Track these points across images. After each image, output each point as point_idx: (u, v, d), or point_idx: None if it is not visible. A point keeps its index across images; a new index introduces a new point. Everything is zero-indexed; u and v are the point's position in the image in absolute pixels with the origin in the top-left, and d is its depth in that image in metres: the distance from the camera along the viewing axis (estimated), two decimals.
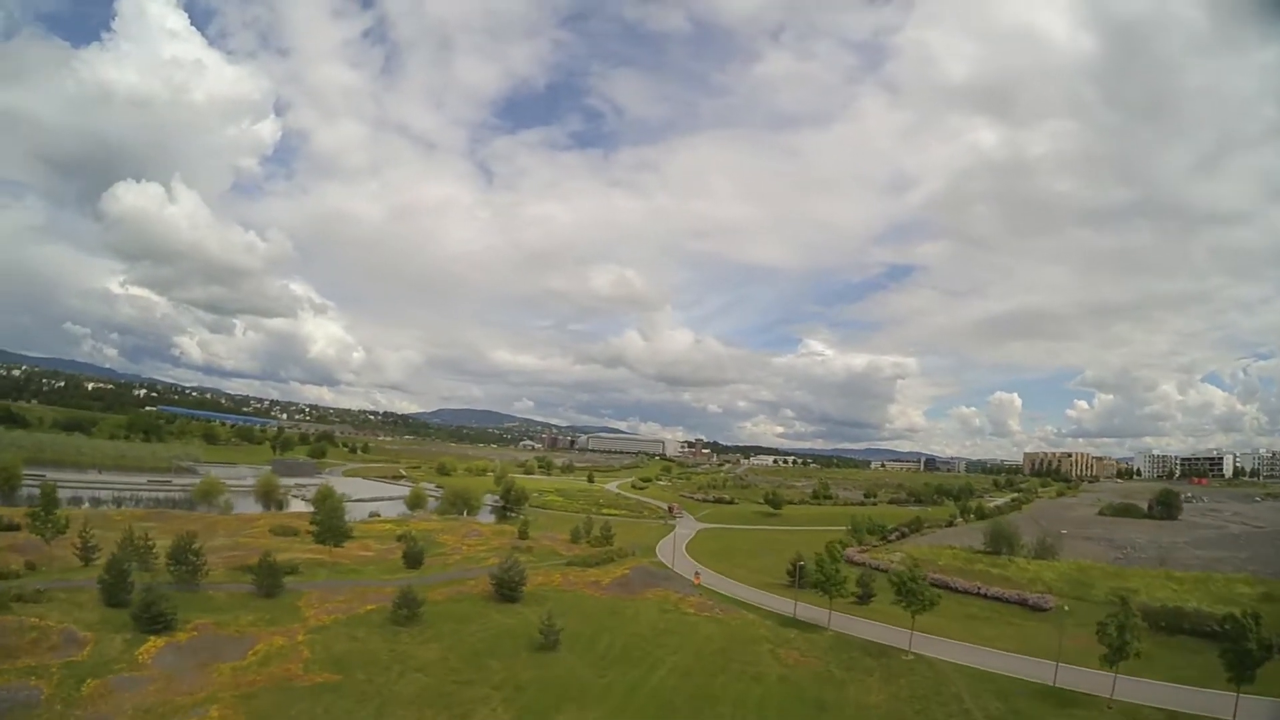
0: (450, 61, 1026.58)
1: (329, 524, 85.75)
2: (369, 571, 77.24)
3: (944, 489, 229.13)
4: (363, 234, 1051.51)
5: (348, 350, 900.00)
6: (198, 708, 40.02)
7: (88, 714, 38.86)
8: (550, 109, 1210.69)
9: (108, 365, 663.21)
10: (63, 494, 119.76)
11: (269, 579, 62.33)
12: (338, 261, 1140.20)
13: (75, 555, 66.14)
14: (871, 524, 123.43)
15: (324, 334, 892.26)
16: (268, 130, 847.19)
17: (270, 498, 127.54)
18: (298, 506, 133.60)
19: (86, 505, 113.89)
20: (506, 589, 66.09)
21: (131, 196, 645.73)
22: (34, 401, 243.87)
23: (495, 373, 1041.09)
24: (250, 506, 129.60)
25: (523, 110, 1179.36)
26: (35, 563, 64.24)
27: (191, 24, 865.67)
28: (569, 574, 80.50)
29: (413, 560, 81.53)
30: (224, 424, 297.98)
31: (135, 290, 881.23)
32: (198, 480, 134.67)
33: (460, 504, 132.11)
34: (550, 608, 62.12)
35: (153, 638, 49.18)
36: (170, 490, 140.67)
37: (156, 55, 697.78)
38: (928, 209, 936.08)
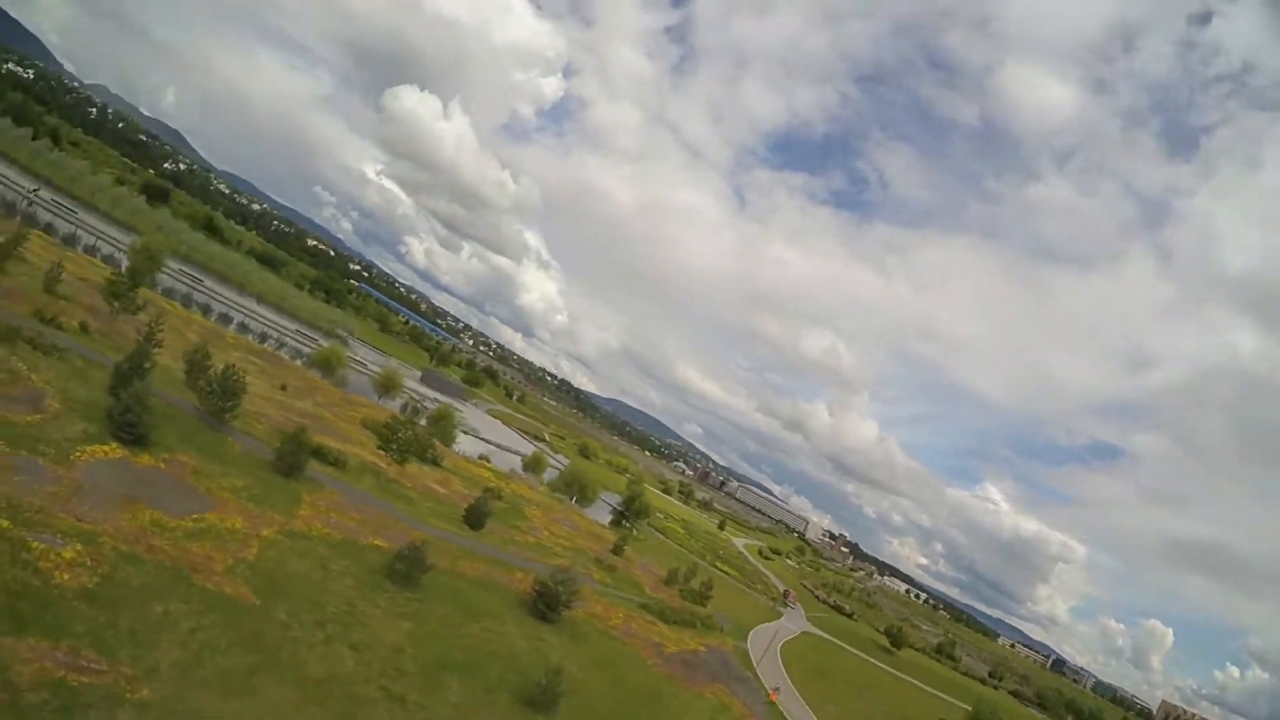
0: (739, 81, 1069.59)
1: (403, 436, 78.57)
2: (421, 508, 68.69)
3: (1074, 706, 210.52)
4: (608, 212, 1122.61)
5: (554, 311, 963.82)
6: (63, 536, 31.73)
7: None
8: (820, 159, 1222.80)
9: (340, 236, 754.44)
10: (216, 307, 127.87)
11: (290, 454, 54.96)
12: (575, 228, 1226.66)
13: (136, 338, 62.58)
14: (995, 717, 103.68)
15: (539, 288, 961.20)
16: (551, 87, 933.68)
17: (389, 391, 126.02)
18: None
19: (233, 328, 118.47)
20: (545, 602, 53.32)
21: (411, 101, 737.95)
22: (253, 231, 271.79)
23: (678, 387, 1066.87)
24: (369, 394, 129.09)
25: (793, 151, 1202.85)
26: (93, 328, 61.34)
27: None
28: (635, 619, 66.86)
29: (474, 519, 71.91)
30: (403, 319, 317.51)
31: (387, 183, 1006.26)
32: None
33: (575, 487, 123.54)
34: (581, 654, 48.49)
35: (114, 445, 42.47)
36: (311, 347, 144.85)
37: None
38: (1158, 397, 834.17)
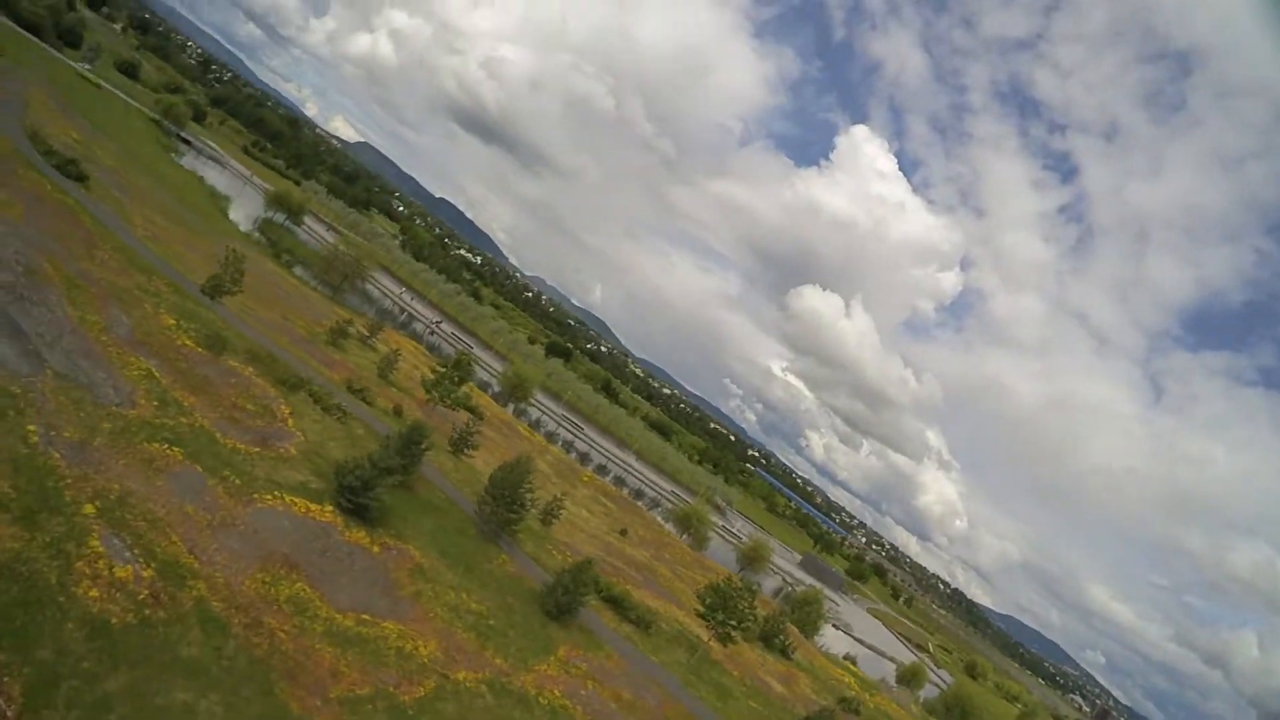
0: (1142, 256, 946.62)
1: (737, 606, 62.72)
2: (737, 706, 52.47)
3: None
4: (1010, 411, 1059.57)
5: (953, 515, 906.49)
6: (143, 555, 24.25)
7: (98, 462, 27.93)
8: (1241, 333, 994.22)
9: (743, 425, 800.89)
10: (595, 457, 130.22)
11: (565, 589, 44.10)
12: (977, 427, 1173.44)
13: (450, 432, 59.33)
14: None
15: (938, 490, 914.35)
16: (950, 281, 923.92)
17: (754, 565, 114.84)
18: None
19: (609, 480, 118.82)
20: None
21: (814, 300, 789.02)
22: (657, 409, 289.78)
23: (1082, 608, 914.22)
24: (730, 564, 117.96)
25: (1210, 327, 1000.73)
26: (406, 413, 59.44)
27: (900, 169, 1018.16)
28: None
29: None
30: (790, 504, 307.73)
31: (791, 379, 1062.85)
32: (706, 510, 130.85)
33: (956, 713, 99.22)
34: None
35: (330, 508, 35.45)
36: (680, 503, 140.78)
37: (865, 189, 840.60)
38: None
